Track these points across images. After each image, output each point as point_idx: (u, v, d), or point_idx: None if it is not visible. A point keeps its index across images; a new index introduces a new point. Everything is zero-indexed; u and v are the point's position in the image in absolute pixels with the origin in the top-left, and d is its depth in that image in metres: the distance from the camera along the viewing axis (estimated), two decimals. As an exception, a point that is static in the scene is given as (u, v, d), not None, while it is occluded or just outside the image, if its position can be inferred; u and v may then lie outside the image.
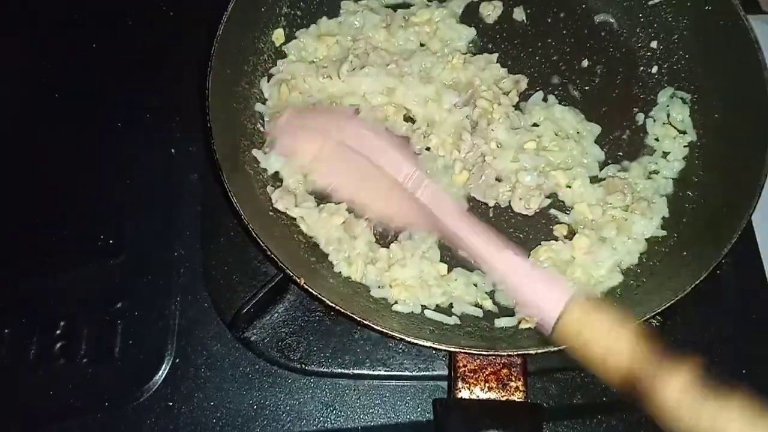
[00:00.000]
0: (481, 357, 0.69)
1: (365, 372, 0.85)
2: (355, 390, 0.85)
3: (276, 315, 0.87)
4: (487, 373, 0.70)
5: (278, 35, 0.97)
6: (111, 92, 1.01)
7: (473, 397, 0.69)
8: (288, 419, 0.84)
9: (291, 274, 0.75)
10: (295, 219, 0.88)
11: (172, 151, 0.99)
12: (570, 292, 0.68)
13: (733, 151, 0.83)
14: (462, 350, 0.69)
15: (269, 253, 0.76)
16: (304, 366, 0.85)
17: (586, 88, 0.96)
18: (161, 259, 0.92)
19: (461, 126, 0.89)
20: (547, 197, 0.88)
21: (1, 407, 0.85)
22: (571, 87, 0.96)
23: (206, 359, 0.86)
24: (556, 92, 0.96)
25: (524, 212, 0.87)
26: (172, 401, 0.85)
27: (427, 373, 0.85)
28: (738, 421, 0.57)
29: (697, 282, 0.71)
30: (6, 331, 0.88)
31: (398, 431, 0.83)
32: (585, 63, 0.97)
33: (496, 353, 0.69)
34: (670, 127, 0.92)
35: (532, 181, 0.86)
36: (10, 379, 0.85)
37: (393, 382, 0.85)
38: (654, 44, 0.98)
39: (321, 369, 0.85)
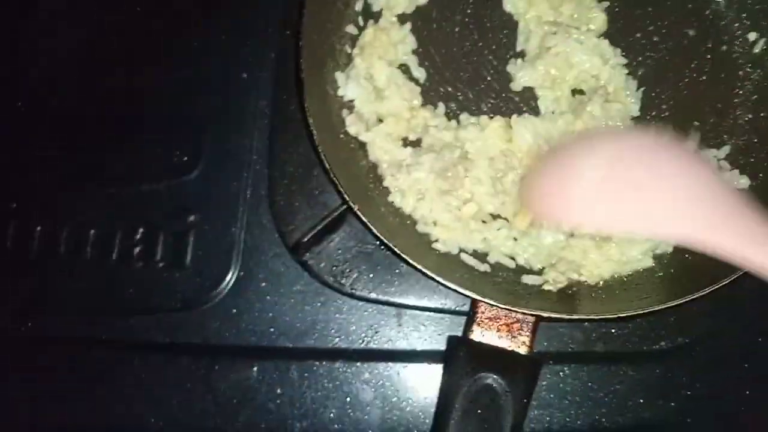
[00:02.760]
0: (498, 308, 0.77)
1: (406, 302, 0.94)
2: (396, 316, 0.95)
3: (332, 243, 0.95)
4: (500, 323, 0.79)
5: None
6: (191, 13, 1.05)
7: (484, 341, 0.79)
8: (336, 336, 0.94)
9: (348, 200, 0.82)
10: (363, 144, 0.93)
11: (244, 75, 1.03)
12: None
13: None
14: (483, 300, 0.77)
15: (332, 175, 0.82)
16: (353, 291, 0.94)
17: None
18: (230, 180, 0.99)
19: None
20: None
21: (87, 299, 0.97)
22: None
23: (267, 276, 0.96)
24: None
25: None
26: (235, 308, 0.95)
27: (463, 309, 0.93)
28: None
29: (706, 291, 0.78)
30: (92, 231, 0.98)
31: (431, 356, 0.93)
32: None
33: (511, 308, 0.77)
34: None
35: None
36: (95, 275, 0.96)
37: (430, 314, 0.94)
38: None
39: (368, 295, 0.94)
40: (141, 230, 0.98)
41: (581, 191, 0.68)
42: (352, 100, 0.93)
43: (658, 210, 0.65)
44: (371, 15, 0.97)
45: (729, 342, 0.93)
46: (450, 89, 0.96)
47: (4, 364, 0.95)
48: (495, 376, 0.75)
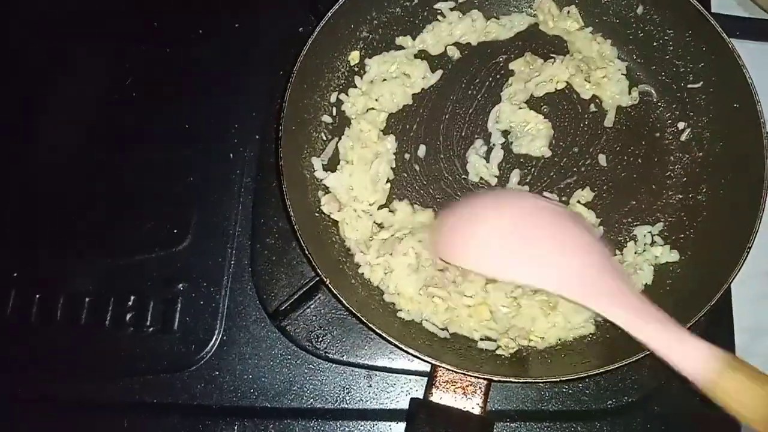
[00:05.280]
0: (454, 372, 0.86)
1: (375, 364, 1.02)
2: (366, 377, 1.03)
3: (308, 310, 1.04)
4: (456, 386, 0.88)
5: (354, 56, 1.10)
6: (183, 99, 1.17)
7: (441, 402, 0.87)
8: (311, 396, 1.02)
9: (320, 274, 0.92)
10: (336, 222, 1.03)
11: (231, 155, 1.14)
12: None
13: (717, 243, 0.96)
14: (441, 365, 0.86)
15: (306, 251, 0.92)
16: (327, 354, 1.02)
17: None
18: (216, 251, 1.09)
19: None
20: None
21: (81, 362, 1.05)
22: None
23: (248, 340, 1.05)
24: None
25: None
26: (218, 371, 1.03)
27: (427, 370, 1.01)
28: None
29: (645, 353, 0.84)
30: (87, 299, 1.07)
31: (398, 415, 1.01)
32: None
33: (466, 373, 0.86)
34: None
35: None
36: (89, 340, 1.04)
37: (398, 375, 1.03)
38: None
39: (341, 358, 1.03)
40: (133, 298, 1.06)
41: (483, 241, 0.83)
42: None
43: (543, 266, 0.80)
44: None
45: (669, 400, 1.02)
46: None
47: (1, 424, 1.02)
48: (451, 436, 0.84)
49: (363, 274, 1.00)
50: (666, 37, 1.08)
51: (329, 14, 1.01)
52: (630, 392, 1.01)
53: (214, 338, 1.05)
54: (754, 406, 0.68)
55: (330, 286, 0.90)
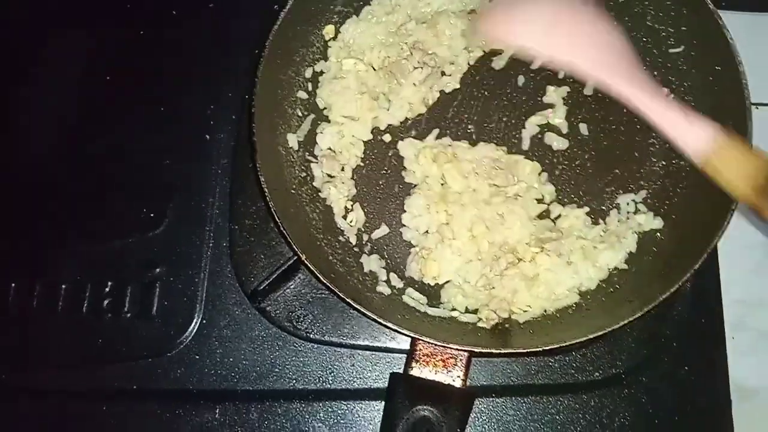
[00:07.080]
0: (434, 345, 0.85)
1: (358, 343, 1.01)
2: (348, 357, 1.01)
3: (288, 290, 1.02)
4: (437, 359, 0.86)
5: (329, 30, 1.08)
6: (158, 81, 1.14)
7: (422, 376, 0.85)
8: (293, 378, 1.01)
9: (296, 250, 0.90)
10: (312, 197, 1.02)
11: (207, 136, 1.12)
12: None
13: (701, 209, 0.95)
14: (420, 338, 0.84)
15: (282, 227, 0.90)
16: (308, 335, 1.01)
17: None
18: (194, 233, 1.07)
19: None
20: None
21: (58, 350, 1.03)
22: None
23: (228, 323, 1.03)
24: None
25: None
26: (199, 355, 1.02)
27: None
28: None
29: (631, 319, 0.84)
30: (63, 286, 1.04)
31: (382, 394, 0.99)
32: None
33: (445, 345, 0.84)
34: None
35: None
36: (66, 327, 1.03)
37: (380, 353, 1.01)
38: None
39: (322, 338, 1.01)
40: (110, 284, 1.05)
41: (531, 24, 0.89)
42: (308, 161, 1.03)
43: (575, 45, 0.87)
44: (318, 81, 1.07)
45: (658, 372, 1.00)
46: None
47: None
48: (431, 408, 0.81)
49: (348, 238, 0.99)
50: (646, 1, 1.05)
51: (301, -13, 0.99)
52: (617, 364, 1.00)
53: (193, 322, 1.03)
54: (746, 178, 0.77)
55: (306, 262, 0.88)
